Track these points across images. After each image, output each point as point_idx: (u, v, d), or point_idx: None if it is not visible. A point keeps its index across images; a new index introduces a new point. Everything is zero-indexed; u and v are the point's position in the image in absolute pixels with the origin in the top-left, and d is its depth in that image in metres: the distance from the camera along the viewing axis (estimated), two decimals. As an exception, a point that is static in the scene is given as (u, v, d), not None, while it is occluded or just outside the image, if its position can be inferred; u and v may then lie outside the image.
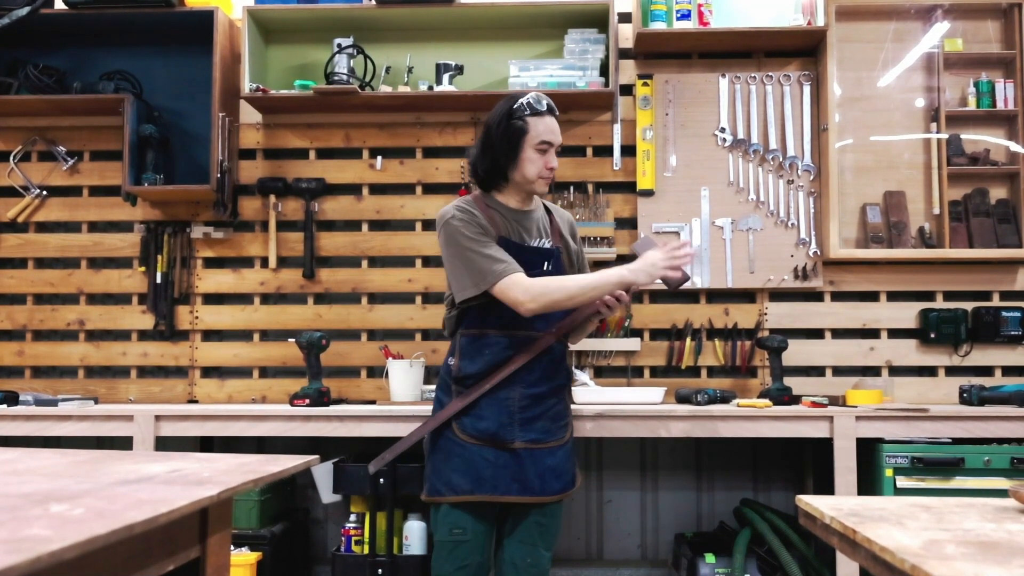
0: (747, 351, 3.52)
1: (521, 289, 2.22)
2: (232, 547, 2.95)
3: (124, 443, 3.07)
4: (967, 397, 3.17)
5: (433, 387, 3.40)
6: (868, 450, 2.91)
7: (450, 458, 2.31)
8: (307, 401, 3.09)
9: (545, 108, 2.36)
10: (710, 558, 3.06)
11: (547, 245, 2.42)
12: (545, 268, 2.37)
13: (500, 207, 2.40)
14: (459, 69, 3.49)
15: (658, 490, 3.59)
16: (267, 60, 3.65)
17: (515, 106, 2.34)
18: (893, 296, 3.56)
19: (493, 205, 2.39)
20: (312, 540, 3.60)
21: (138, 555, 1.13)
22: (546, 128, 2.35)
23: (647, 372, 3.56)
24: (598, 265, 3.56)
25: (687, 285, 2.81)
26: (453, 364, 2.36)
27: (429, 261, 3.62)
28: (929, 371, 3.54)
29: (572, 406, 3.13)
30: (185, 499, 1.08)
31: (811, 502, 1.37)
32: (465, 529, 2.29)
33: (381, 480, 3.07)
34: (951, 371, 3.52)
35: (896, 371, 3.53)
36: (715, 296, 3.58)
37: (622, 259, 3.58)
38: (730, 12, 3.51)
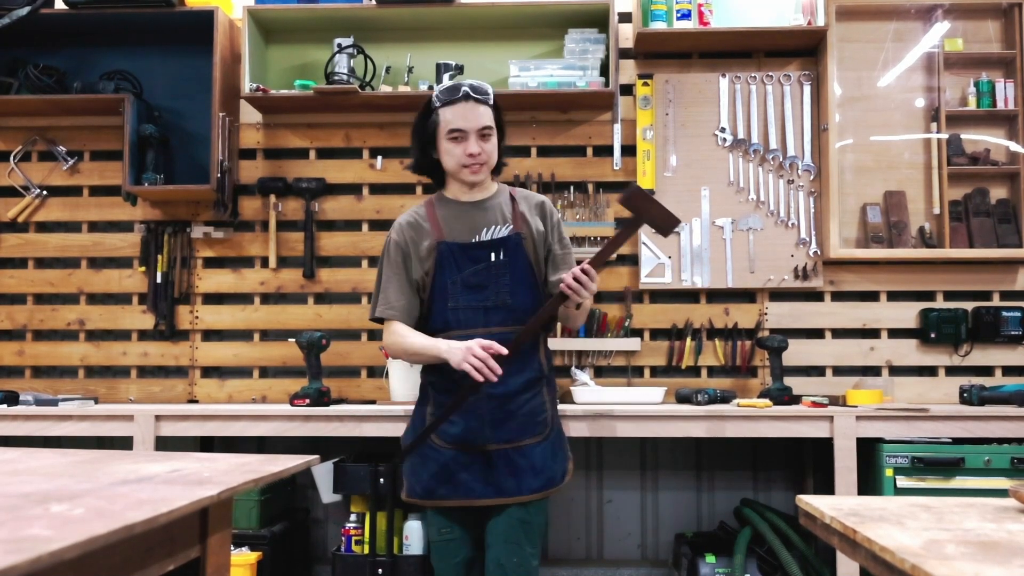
0: (747, 351, 3.52)
1: (388, 337, 2.37)
2: (232, 547, 2.95)
3: (124, 443, 3.07)
4: (967, 397, 3.17)
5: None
6: (868, 450, 2.91)
7: (426, 462, 2.32)
8: (307, 401, 3.09)
9: (460, 95, 2.28)
10: (710, 558, 3.06)
11: (503, 233, 2.34)
12: (493, 259, 2.32)
13: (451, 204, 2.39)
14: (459, 69, 3.49)
15: (658, 490, 3.59)
16: (267, 60, 3.65)
17: (431, 99, 2.33)
18: (893, 296, 3.56)
19: (444, 204, 2.39)
20: (312, 540, 3.60)
21: (138, 555, 1.13)
22: (456, 115, 2.28)
23: (647, 372, 3.56)
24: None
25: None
26: (429, 395, 2.41)
27: (429, 261, 3.61)
28: (929, 371, 3.54)
29: (571, 405, 3.14)
30: (185, 499, 1.08)
31: (811, 502, 1.37)
32: (452, 528, 2.34)
33: (381, 480, 3.07)
34: (951, 371, 3.52)
35: (896, 371, 3.53)
36: (715, 296, 3.58)
37: (621, 259, 3.58)
38: (730, 12, 3.51)
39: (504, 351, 2.18)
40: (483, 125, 2.29)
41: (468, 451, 2.29)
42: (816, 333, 3.56)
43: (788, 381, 3.37)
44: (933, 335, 3.46)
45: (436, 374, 2.36)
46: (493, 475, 2.28)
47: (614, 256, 3.49)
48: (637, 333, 3.54)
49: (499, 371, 2.16)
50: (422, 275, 2.35)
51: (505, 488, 2.27)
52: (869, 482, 2.91)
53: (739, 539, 3.08)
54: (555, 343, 3.48)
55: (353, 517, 3.14)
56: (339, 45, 3.45)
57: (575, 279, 2.17)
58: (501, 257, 2.31)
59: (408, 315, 2.37)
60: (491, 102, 2.33)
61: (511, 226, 2.35)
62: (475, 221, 2.35)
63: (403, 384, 3.28)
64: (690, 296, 3.58)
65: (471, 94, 2.27)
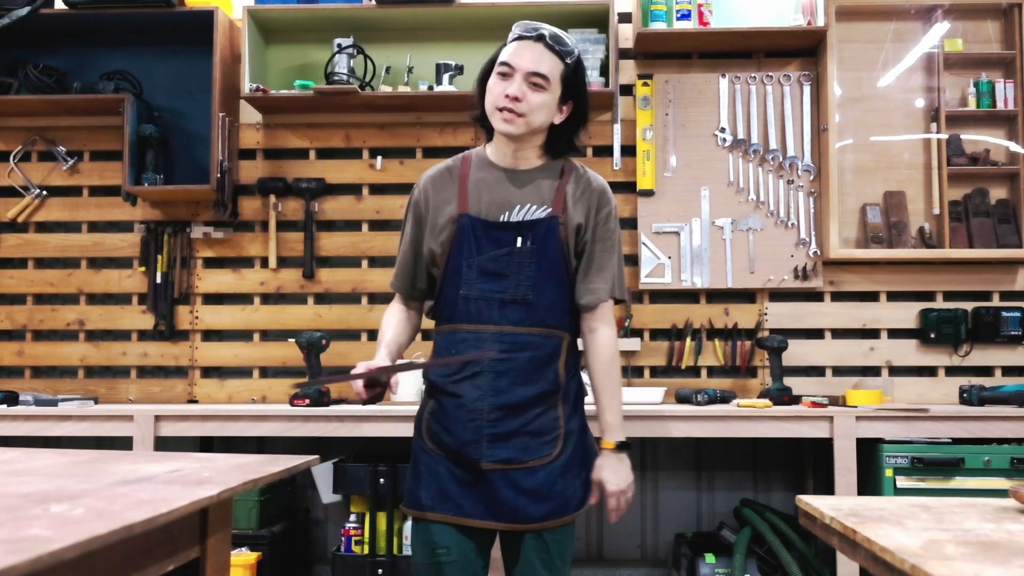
0: (747, 351, 3.52)
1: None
2: (232, 547, 2.94)
3: (124, 443, 3.07)
4: (967, 397, 3.17)
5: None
6: (868, 450, 2.91)
7: (417, 467, 2.01)
8: (307, 401, 3.09)
9: (529, 32, 1.97)
10: (710, 558, 3.06)
11: (536, 215, 1.98)
12: (519, 244, 1.97)
13: (489, 167, 2.04)
14: (459, 69, 3.49)
15: (658, 490, 3.59)
16: (267, 60, 3.65)
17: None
18: (893, 296, 3.56)
19: (482, 165, 2.04)
20: (312, 540, 3.60)
21: (138, 555, 1.13)
22: (512, 50, 1.95)
23: (647, 372, 3.56)
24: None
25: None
26: (427, 374, 2.11)
27: (429, 261, 3.62)
28: (929, 371, 3.54)
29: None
30: (185, 499, 1.08)
31: (811, 502, 1.37)
32: (449, 548, 1.93)
33: (381, 480, 3.07)
34: (951, 371, 3.52)
35: (896, 371, 3.53)
36: (715, 296, 3.58)
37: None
38: (730, 12, 3.51)
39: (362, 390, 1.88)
40: (535, 70, 1.91)
41: (461, 465, 1.95)
42: (816, 333, 3.56)
43: (788, 381, 3.37)
44: (933, 335, 3.46)
45: (436, 371, 2.02)
46: (490, 494, 1.93)
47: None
48: (637, 333, 3.54)
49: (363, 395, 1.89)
50: (433, 248, 2.02)
51: (502, 512, 1.92)
52: (869, 482, 2.91)
53: (739, 539, 3.08)
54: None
55: (353, 517, 3.14)
56: (339, 45, 3.45)
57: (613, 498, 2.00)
58: (529, 244, 1.96)
59: (409, 291, 2.11)
60: (566, 56, 1.97)
61: (549, 208, 1.99)
62: (508, 195, 2.00)
63: (403, 384, 3.28)
64: (690, 296, 3.58)
65: (544, 36, 1.95)
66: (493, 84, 1.95)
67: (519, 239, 1.96)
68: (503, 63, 1.94)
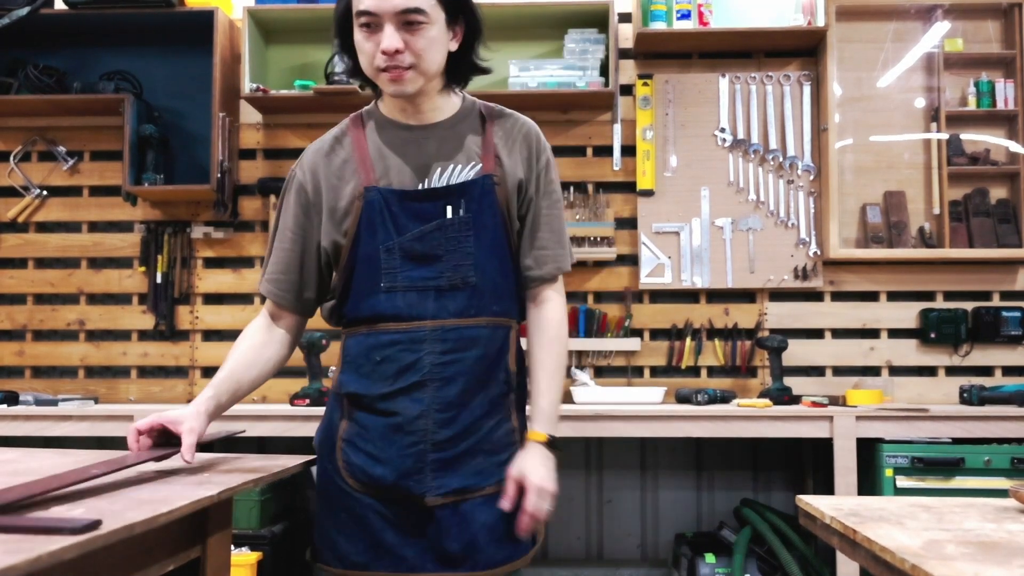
0: (747, 351, 3.52)
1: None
2: (232, 547, 2.94)
3: (124, 443, 3.06)
4: (967, 397, 3.17)
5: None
6: (868, 450, 2.91)
7: (335, 511, 1.57)
8: (307, 401, 3.09)
9: None
10: (710, 558, 3.06)
11: (466, 175, 1.58)
12: (449, 215, 1.56)
13: (389, 126, 1.62)
14: (459, 69, 3.48)
15: (658, 490, 3.59)
16: (267, 60, 3.65)
17: None
18: (893, 296, 3.56)
19: (379, 125, 1.63)
20: (312, 540, 3.59)
21: (138, 555, 1.13)
22: None
23: (647, 372, 3.56)
24: (599, 265, 3.56)
25: None
26: (333, 375, 1.68)
27: (429, 261, 3.62)
28: (929, 371, 3.54)
29: (571, 406, 3.13)
30: (185, 499, 1.08)
31: (811, 502, 1.37)
32: None
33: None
34: (951, 371, 3.52)
35: (896, 371, 3.53)
36: (715, 296, 3.58)
37: (621, 259, 3.58)
38: (730, 12, 3.51)
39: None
40: (405, 7, 1.47)
41: (398, 503, 1.53)
42: (816, 333, 3.56)
43: (788, 381, 3.37)
44: (933, 335, 3.46)
45: (362, 377, 1.57)
46: (435, 537, 1.52)
47: (614, 257, 3.48)
48: (637, 333, 3.54)
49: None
50: (336, 239, 1.59)
51: (453, 558, 1.51)
52: (869, 482, 2.91)
53: (739, 539, 3.08)
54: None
55: (353, 517, 3.14)
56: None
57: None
58: (462, 212, 1.56)
59: (293, 303, 1.66)
60: None
61: (479, 164, 1.59)
62: (424, 156, 1.59)
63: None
64: (690, 296, 3.58)
65: None
66: (361, 41, 1.53)
67: (448, 208, 1.56)
68: (363, 13, 1.50)
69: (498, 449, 1.56)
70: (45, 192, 3.69)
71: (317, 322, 3.63)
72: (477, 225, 1.56)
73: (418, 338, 1.54)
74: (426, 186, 1.57)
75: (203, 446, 1.50)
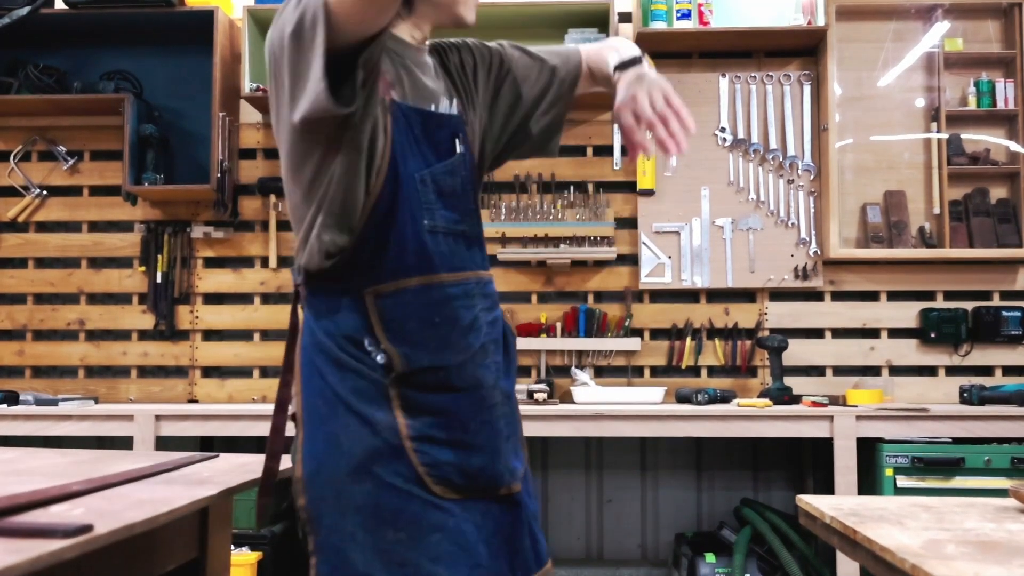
0: (747, 351, 3.52)
1: None
2: (232, 547, 2.95)
3: (124, 443, 3.07)
4: (967, 397, 3.17)
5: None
6: (868, 450, 2.91)
7: (421, 538, 1.20)
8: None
9: None
10: (710, 558, 3.06)
11: (454, 110, 1.40)
12: (459, 151, 1.36)
13: (401, 45, 1.37)
14: (459, 69, 3.49)
15: (658, 490, 3.59)
16: (267, 60, 3.65)
17: None
18: (893, 296, 3.56)
19: (393, 41, 1.36)
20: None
21: (138, 555, 1.13)
22: None
23: (647, 372, 3.56)
24: (600, 265, 3.56)
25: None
26: (385, 350, 1.24)
27: (429, 261, 3.62)
28: (929, 371, 3.54)
29: (571, 405, 3.14)
30: (185, 499, 1.08)
31: (811, 502, 1.37)
32: None
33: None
34: (951, 371, 3.52)
35: (896, 371, 3.53)
36: (715, 296, 3.57)
37: (621, 259, 3.58)
38: (730, 12, 3.51)
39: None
40: None
41: (484, 497, 1.28)
42: (816, 333, 3.56)
43: (788, 381, 3.37)
44: (933, 335, 3.46)
45: (417, 346, 1.24)
46: (508, 536, 1.30)
47: (614, 257, 3.48)
48: (637, 333, 3.54)
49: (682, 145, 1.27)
50: (354, 161, 1.25)
51: (527, 560, 1.32)
52: (869, 482, 2.91)
53: (739, 539, 3.08)
54: (555, 343, 3.48)
55: (353, 517, 3.13)
56: (339, 45, 3.44)
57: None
58: (461, 150, 1.37)
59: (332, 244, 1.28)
60: None
61: (454, 99, 1.40)
62: (429, 78, 1.39)
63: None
64: (690, 296, 3.58)
65: None
66: None
67: (457, 143, 1.36)
68: None
69: (519, 427, 1.40)
70: (45, 192, 3.69)
71: (317, 322, 3.63)
72: (471, 168, 1.39)
73: (469, 292, 1.30)
74: (435, 109, 1.35)
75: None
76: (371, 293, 1.25)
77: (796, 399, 3.18)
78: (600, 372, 3.54)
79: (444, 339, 1.26)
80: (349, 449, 1.22)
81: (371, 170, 1.24)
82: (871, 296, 3.56)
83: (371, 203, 1.25)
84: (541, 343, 3.46)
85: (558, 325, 3.50)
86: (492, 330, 1.33)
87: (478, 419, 1.28)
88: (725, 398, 3.25)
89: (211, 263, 3.66)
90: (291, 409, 1.32)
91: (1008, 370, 3.52)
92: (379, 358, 1.24)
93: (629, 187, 3.58)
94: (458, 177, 1.34)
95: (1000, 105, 3.49)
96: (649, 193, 3.54)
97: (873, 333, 3.55)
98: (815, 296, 3.56)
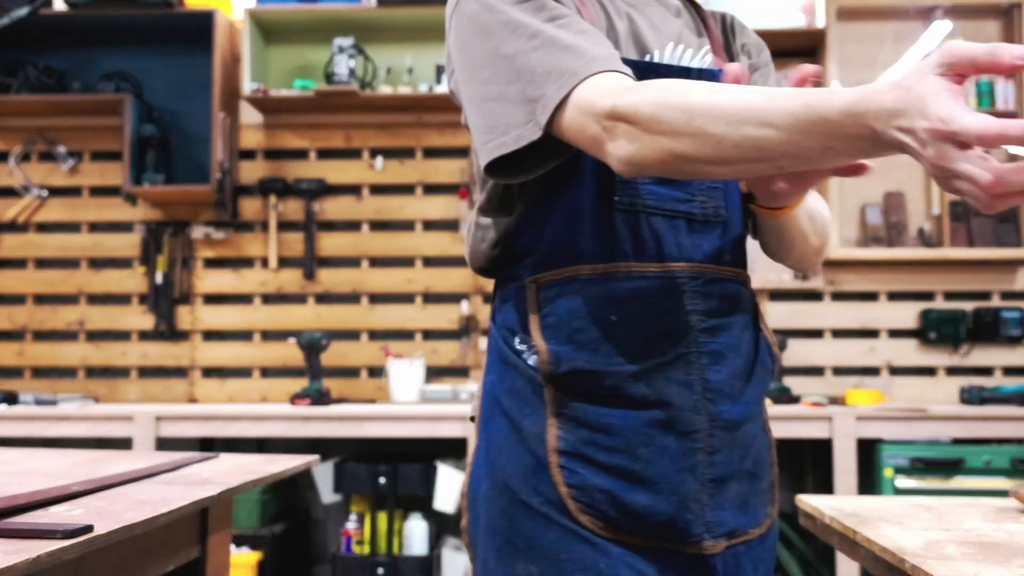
0: (747, 351, 3.51)
1: (613, 93, 0.87)
2: (233, 547, 2.95)
3: (124, 443, 3.07)
4: (967, 397, 3.17)
5: (437, 386, 3.42)
6: (868, 450, 2.91)
7: (560, 572, 0.97)
8: (308, 401, 3.09)
9: None
10: (710, 558, 3.06)
11: (704, 61, 1.09)
12: None
13: None
14: (459, 69, 3.49)
15: (658, 490, 3.59)
16: (267, 60, 3.65)
17: None
18: (893, 296, 3.56)
19: None
20: (312, 540, 3.60)
21: (138, 555, 1.13)
22: None
23: (647, 372, 3.56)
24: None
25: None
26: (537, 350, 1.01)
27: (429, 261, 3.62)
28: (929, 371, 3.54)
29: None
30: (185, 499, 1.08)
31: (811, 502, 1.37)
32: None
33: (381, 480, 3.07)
34: (951, 371, 3.52)
35: (896, 371, 3.53)
36: (715, 296, 3.57)
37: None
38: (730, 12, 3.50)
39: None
40: None
41: (662, 554, 0.99)
42: (816, 333, 3.56)
43: (787, 381, 3.37)
44: (933, 335, 3.46)
45: (583, 347, 0.99)
46: None
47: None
48: (637, 333, 3.54)
49: None
50: None
51: None
52: (868, 482, 2.91)
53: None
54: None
55: (353, 517, 3.14)
56: (339, 45, 3.45)
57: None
58: None
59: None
60: None
61: (709, 48, 1.12)
62: (645, 24, 1.08)
63: (403, 384, 3.29)
64: (690, 296, 3.58)
65: None
66: None
67: None
68: None
69: (759, 471, 1.06)
70: (45, 192, 3.70)
71: (316, 322, 3.64)
72: None
73: (673, 288, 1.01)
74: (655, 59, 1.05)
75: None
76: (533, 282, 1.02)
77: (795, 399, 3.18)
78: (600, 372, 3.54)
79: (620, 341, 0.99)
80: (495, 458, 1.02)
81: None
82: (871, 296, 3.56)
83: (539, 181, 1.01)
84: (541, 343, 3.46)
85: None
86: (711, 340, 1.01)
87: (655, 446, 0.97)
88: (725, 398, 3.25)
89: (211, 264, 3.66)
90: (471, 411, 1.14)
91: (1008, 370, 3.52)
92: (530, 358, 1.01)
93: (629, 187, 3.58)
94: None
95: (1000, 105, 3.49)
96: (649, 193, 3.54)
97: (873, 333, 3.55)
98: (815, 296, 3.56)
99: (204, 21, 3.46)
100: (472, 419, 1.12)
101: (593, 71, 0.90)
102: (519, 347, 1.03)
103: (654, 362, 0.99)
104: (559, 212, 1.01)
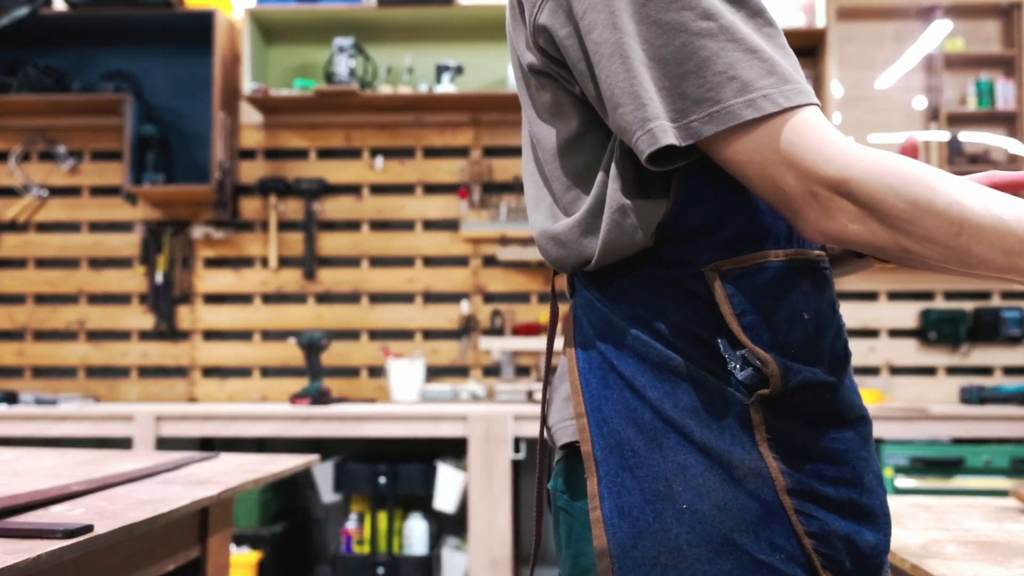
0: (747, 351, 3.51)
1: (844, 163, 0.70)
2: (233, 546, 2.95)
3: (124, 443, 3.07)
4: (967, 397, 3.17)
5: (437, 386, 3.43)
6: (868, 450, 2.92)
7: None
8: (308, 400, 3.09)
9: None
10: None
11: None
12: None
13: None
14: (459, 69, 3.49)
15: (658, 490, 3.59)
16: (267, 60, 3.65)
17: None
18: (893, 296, 3.56)
19: None
20: (312, 540, 3.60)
21: (138, 555, 1.13)
22: None
23: (647, 372, 3.56)
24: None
25: None
26: (760, 360, 0.79)
27: (429, 261, 3.62)
28: (929, 371, 3.54)
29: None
30: (185, 499, 1.08)
31: (811, 502, 1.37)
32: None
33: (381, 480, 3.07)
34: (951, 371, 3.52)
35: (896, 371, 3.53)
36: (715, 296, 3.57)
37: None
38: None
39: None
40: None
41: None
42: (816, 333, 3.55)
43: (788, 381, 3.37)
44: (933, 335, 3.46)
45: (794, 351, 0.82)
46: None
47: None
48: (637, 333, 3.54)
49: None
50: None
51: None
52: (869, 482, 2.91)
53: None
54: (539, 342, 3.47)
55: (353, 517, 3.14)
56: (339, 45, 3.45)
57: None
58: None
59: None
60: None
61: None
62: None
63: (403, 384, 3.29)
64: (690, 296, 3.58)
65: None
66: None
67: None
68: None
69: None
70: (45, 192, 3.70)
71: (316, 322, 3.64)
72: None
73: (831, 279, 0.93)
74: None
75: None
76: (714, 270, 0.81)
77: (796, 399, 3.18)
78: (600, 372, 3.54)
79: (815, 344, 0.86)
80: (692, 503, 0.78)
81: None
82: (871, 296, 3.56)
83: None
84: (541, 343, 3.46)
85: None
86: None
87: (872, 472, 0.83)
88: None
89: (211, 263, 3.66)
90: (562, 436, 0.87)
91: (1008, 370, 3.52)
92: (739, 371, 0.80)
93: (629, 187, 3.57)
94: None
95: (1000, 105, 3.49)
96: (649, 193, 3.54)
97: (873, 333, 3.55)
98: (815, 296, 3.55)
99: (204, 21, 3.46)
100: (546, 440, 0.89)
101: (798, 103, 0.72)
102: (724, 355, 0.80)
103: (845, 368, 0.89)
104: (734, 182, 0.79)
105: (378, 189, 3.67)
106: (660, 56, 0.73)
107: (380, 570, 3.06)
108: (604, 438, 0.80)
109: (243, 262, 3.66)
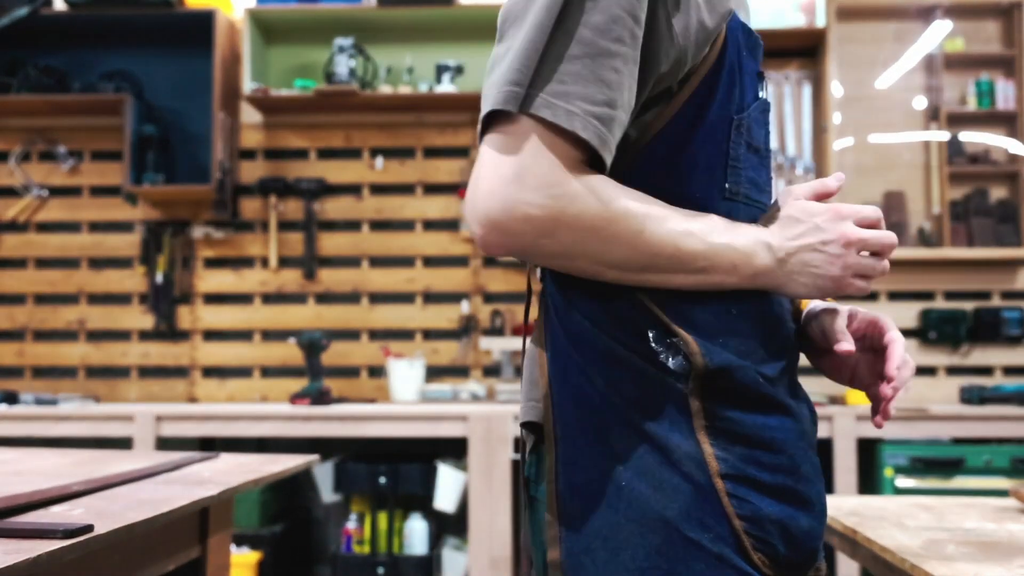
0: (747, 351, 3.51)
1: (548, 182, 0.77)
2: (233, 546, 2.95)
3: (124, 443, 3.07)
4: (967, 397, 3.17)
5: (437, 386, 3.43)
6: (868, 450, 2.91)
7: None
8: (308, 400, 3.09)
9: None
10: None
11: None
12: (761, 93, 0.97)
13: None
14: (459, 69, 3.49)
15: (658, 490, 3.59)
16: (267, 60, 3.65)
17: None
18: (893, 296, 3.56)
19: None
20: (312, 540, 3.60)
21: (138, 555, 1.13)
22: None
23: (647, 372, 3.56)
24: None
25: None
26: (683, 343, 0.84)
27: (429, 261, 3.62)
28: (929, 371, 3.54)
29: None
30: (185, 499, 1.08)
31: (811, 502, 1.37)
32: None
33: (381, 480, 3.07)
34: (951, 371, 3.52)
35: (896, 371, 3.52)
36: (715, 296, 3.57)
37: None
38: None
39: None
40: None
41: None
42: (816, 333, 3.55)
43: (788, 381, 3.37)
44: (933, 335, 3.46)
45: (721, 335, 0.86)
46: None
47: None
48: (637, 333, 3.54)
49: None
50: (681, 61, 0.86)
51: None
52: (869, 482, 2.91)
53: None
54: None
55: (353, 517, 3.14)
56: (339, 45, 3.45)
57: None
58: (763, 95, 0.98)
59: (613, 146, 0.81)
60: None
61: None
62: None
63: (403, 384, 3.29)
64: (690, 296, 3.58)
65: None
66: None
67: (761, 83, 0.98)
68: None
69: None
70: (45, 192, 3.70)
71: (316, 322, 3.64)
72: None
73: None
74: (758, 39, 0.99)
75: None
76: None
77: (796, 399, 3.18)
78: (600, 372, 3.54)
79: (743, 339, 0.87)
80: (630, 482, 0.83)
81: (672, 102, 0.84)
82: (871, 296, 3.56)
83: (645, 142, 0.85)
84: (541, 343, 3.46)
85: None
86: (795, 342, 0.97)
87: (810, 461, 0.88)
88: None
89: (211, 263, 3.66)
90: (526, 415, 0.92)
91: (1008, 370, 3.52)
92: (670, 359, 0.84)
93: (629, 187, 3.58)
94: (765, 130, 0.94)
95: (1000, 105, 3.49)
96: (649, 193, 3.54)
97: (873, 333, 3.55)
98: (815, 296, 3.55)
99: (204, 21, 3.46)
100: (523, 423, 0.92)
101: (614, 119, 0.78)
102: (655, 347, 0.84)
103: (783, 363, 0.93)
104: (670, 198, 0.84)
105: (378, 189, 3.67)
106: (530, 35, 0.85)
107: (380, 570, 3.06)
108: (563, 420, 0.86)
109: (243, 262, 3.66)
